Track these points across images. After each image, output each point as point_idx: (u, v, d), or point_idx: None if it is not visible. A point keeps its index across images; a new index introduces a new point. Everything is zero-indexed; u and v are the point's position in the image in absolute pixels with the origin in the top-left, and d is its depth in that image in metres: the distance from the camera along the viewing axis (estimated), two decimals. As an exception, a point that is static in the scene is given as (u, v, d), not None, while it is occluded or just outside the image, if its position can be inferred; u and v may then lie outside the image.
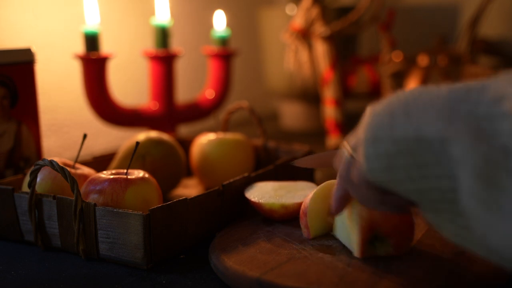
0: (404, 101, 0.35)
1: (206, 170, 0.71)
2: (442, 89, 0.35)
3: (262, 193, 0.57)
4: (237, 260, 0.46)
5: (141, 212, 0.48)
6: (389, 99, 0.37)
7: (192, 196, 0.53)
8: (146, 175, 0.54)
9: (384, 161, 0.35)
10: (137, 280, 0.47)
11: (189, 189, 0.74)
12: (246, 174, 0.60)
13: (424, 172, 0.33)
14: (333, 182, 0.52)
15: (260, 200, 0.56)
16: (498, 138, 0.30)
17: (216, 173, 0.70)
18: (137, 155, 0.65)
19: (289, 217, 0.55)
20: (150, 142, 0.67)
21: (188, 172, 0.78)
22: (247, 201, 0.58)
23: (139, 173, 0.54)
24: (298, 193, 0.56)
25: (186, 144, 0.79)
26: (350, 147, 0.39)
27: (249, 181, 0.61)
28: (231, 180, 0.58)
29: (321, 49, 0.98)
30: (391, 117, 0.35)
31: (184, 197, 0.52)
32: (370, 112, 0.37)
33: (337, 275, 0.43)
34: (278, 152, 0.75)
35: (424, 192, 0.34)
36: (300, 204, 0.54)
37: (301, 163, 0.54)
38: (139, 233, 0.48)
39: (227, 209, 0.58)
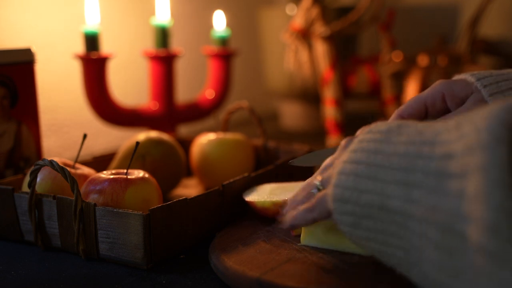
0: (367, 158, 0.36)
1: (206, 170, 0.71)
2: (401, 137, 0.35)
3: (259, 193, 0.58)
4: (237, 260, 0.46)
5: (141, 212, 0.48)
6: (357, 147, 0.38)
7: (192, 196, 0.53)
8: (146, 175, 0.54)
9: (350, 218, 0.37)
10: (137, 280, 0.47)
11: (189, 189, 0.74)
12: (246, 174, 0.60)
13: (385, 238, 0.35)
14: None
15: (253, 199, 0.56)
16: (447, 198, 0.31)
17: (216, 173, 0.70)
18: (137, 155, 0.65)
19: (275, 215, 0.55)
20: (150, 142, 0.67)
21: (188, 172, 0.78)
22: (244, 202, 0.58)
23: (139, 173, 0.54)
24: (290, 192, 0.56)
25: (186, 144, 0.79)
26: (320, 181, 0.42)
27: (249, 181, 0.61)
28: (231, 180, 0.58)
29: (321, 49, 0.98)
30: (357, 177, 0.36)
31: (184, 197, 0.52)
32: (341, 159, 0.38)
33: (338, 275, 0.43)
34: (278, 152, 0.75)
35: (383, 254, 0.36)
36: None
37: (299, 162, 0.55)
38: (139, 233, 0.48)
39: (227, 209, 0.58)
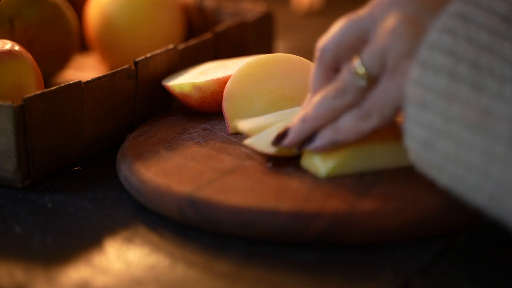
0: (474, 55, 0.36)
1: (110, 42, 0.70)
2: None
3: (185, 75, 0.57)
4: (160, 171, 0.47)
5: (10, 102, 0.47)
6: (455, 29, 0.37)
7: (89, 79, 0.53)
8: (16, 48, 0.53)
9: (424, 133, 0.37)
10: (9, 204, 0.48)
11: (85, 71, 0.73)
12: (170, 47, 0.60)
13: (459, 172, 0.36)
14: (270, 58, 0.52)
15: (171, 83, 0.56)
16: None
17: (126, 47, 0.70)
18: (0, 18, 0.63)
19: (212, 104, 0.55)
20: (21, -2, 0.65)
21: (83, 45, 0.76)
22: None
23: (4, 45, 0.53)
24: (230, 69, 0.56)
25: (78, 2, 0.77)
26: (363, 62, 0.41)
27: (176, 57, 0.60)
28: (148, 55, 0.58)
29: None
30: (452, 79, 0.36)
31: (77, 81, 0.52)
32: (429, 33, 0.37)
33: (305, 189, 0.44)
34: (220, 14, 0.74)
35: (453, 185, 0.37)
36: (218, 82, 0.54)
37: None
38: (9, 134, 0.48)
39: (143, 99, 0.58)
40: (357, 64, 0.41)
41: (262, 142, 0.48)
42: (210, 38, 0.64)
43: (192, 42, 0.62)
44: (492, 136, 0.35)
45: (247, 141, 0.49)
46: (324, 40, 0.43)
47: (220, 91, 0.54)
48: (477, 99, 0.35)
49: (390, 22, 0.39)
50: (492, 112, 0.35)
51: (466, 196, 0.37)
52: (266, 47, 0.72)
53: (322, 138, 0.43)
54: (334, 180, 0.44)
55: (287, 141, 0.45)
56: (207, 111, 0.57)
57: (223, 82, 0.54)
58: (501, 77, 0.35)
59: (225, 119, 0.53)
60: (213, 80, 0.54)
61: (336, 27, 0.43)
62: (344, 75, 0.42)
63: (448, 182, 0.37)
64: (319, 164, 0.45)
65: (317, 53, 0.44)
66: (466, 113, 0.36)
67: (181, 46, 0.61)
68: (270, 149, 0.47)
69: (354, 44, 0.42)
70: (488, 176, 0.35)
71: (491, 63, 0.36)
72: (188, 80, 0.55)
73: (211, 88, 0.54)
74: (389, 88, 0.40)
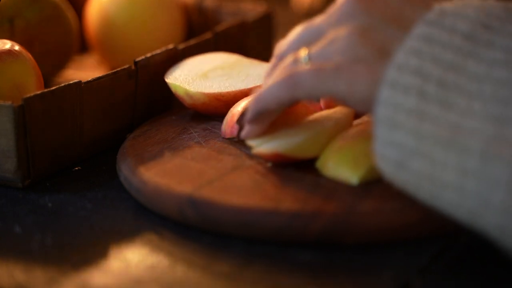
0: (441, 75, 0.36)
1: (110, 42, 0.70)
2: (497, 53, 0.36)
3: (190, 70, 0.57)
4: (160, 171, 0.47)
5: (10, 102, 0.47)
6: (421, 50, 0.37)
7: (90, 79, 0.53)
8: (17, 48, 0.53)
9: (396, 153, 0.37)
10: (9, 204, 0.48)
11: (85, 70, 0.73)
12: (170, 47, 0.60)
13: (436, 189, 0.36)
14: None
15: (169, 79, 0.56)
16: None
17: (126, 46, 0.70)
18: (0, 18, 0.63)
19: (203, 112, 0.56)
20: (21, -2, 0.65)
21: (82, 45, 0.76)
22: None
23: (4, 45, 0.53)
24: (230, 80, 0.56)
25: (78, 2, 0.77)
26: (309, 54, 0.42)
27: (176, 57, 0.60)
28: (148, 55, 0.58)
29: None
30: (422, 98, 0.36)
31: (77, 80, 0.52)
32: (398, 58, 0.38)
33: (305, 189, 0.43)
34: (220, 14, 0.74)
35: (432, 202, 0.38)
36: (208, 97, 0.54)
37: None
38: (9, 134, 0.48)
39: (143, 99, 0.58)
40: (303, 55, 0.42)
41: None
42: (210, 38, 0.64)
43: (192, 42, 0.62)
44: (464, 152, 0.35)
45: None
46: (281, 44, 0.46)
47: (210, 104, 0.54)
48: (447, 116, 0.36)
49: (342, 30, 0.41)
50: (462, 128, 0.35)
51: (446, 212, 0.37)
52: (266, 47, 0.72)
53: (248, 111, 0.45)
54: (334, 180, 0.44)
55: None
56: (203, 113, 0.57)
57: (213, 97, 0.54)
58: (468, 94, 0.36)
59: (223, 123, 0.52)
60: (203, 94, 0.54)
61: (293, 33, 0.45)
62: (288, 59, 0.43)
63: (426, 199, 0.38)
64: (349, 172, 0.44)
65: (273, 56, 0.46)
66: (437, 131, 0.36)
67: (181, 46, 0.61)
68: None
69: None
70: (465, 192, 0.35)
71: (458, 81, 0.36)
72: (183, 84, 0.55)
73: (201, 99, 0.54)
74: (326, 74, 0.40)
